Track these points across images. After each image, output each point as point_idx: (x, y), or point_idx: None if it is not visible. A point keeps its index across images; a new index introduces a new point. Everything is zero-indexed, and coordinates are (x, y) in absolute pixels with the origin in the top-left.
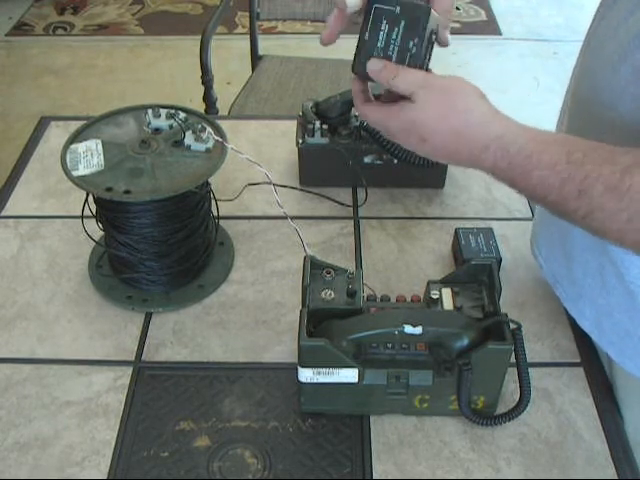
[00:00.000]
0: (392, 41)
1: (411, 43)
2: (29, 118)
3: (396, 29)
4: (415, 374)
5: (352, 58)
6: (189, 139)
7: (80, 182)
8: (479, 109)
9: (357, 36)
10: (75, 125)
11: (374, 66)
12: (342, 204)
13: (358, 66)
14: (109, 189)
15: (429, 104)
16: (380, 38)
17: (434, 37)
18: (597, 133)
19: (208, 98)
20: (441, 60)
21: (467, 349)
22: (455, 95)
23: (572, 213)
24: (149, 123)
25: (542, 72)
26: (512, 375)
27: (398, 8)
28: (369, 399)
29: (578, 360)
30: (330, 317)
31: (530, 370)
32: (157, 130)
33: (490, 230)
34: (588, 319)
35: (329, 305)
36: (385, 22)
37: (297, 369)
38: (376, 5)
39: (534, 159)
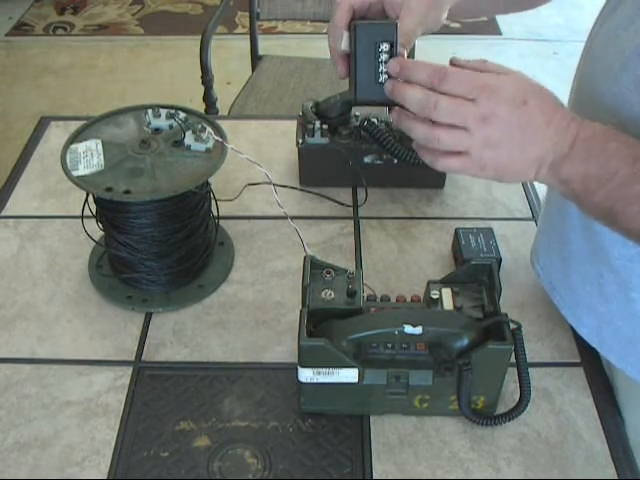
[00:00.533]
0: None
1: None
2: (29, 118)
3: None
4: (415, 374)
5: None
6: (189, 139)
7: (80, 182)
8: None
9: None
10: (75, 125)
11: (460, 60)
12: (342, 204)
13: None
14: (109, 189)
15: (530, 79)
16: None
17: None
18: None
19: (208, 98)
20: (441, 60)
21: (467, 349)
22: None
23: (635, 198)
24: (149, 123)
25: (542, 72)
26: (512, 375)
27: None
28: (369, 399)
29: (578, 360)
30: (330, 317)
31: (530, 370)
32: (157, 130)
33: (490, 230)
34: (587, 326)
35: (329, 305)
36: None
37: (297, 369)
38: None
39: (613, 133)
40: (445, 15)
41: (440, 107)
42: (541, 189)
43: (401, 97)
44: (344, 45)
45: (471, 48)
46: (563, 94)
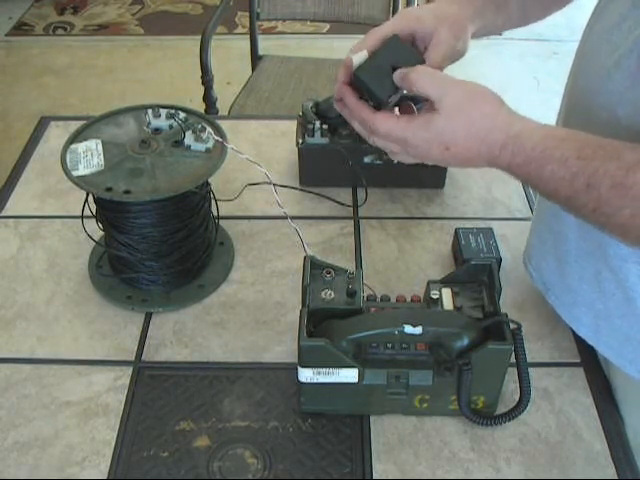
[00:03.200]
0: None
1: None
2: (29, 118)
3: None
4: (415, 374)
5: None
6: (189, 139)
7: (80, 182)
8: (501, 113)
9: (353, 37)
10: (75, 125)
11: (399, 74)
12: (342, 204)
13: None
14: (109, 189)
15: (455, 113)
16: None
17: None
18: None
19: (208, 98)
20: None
21: (467, 349)
22: (480, 102)
23: (582, 207)
24: (149, 123)
25: (542, 72)
26: (512, 375)
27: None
28: (369, 399)
29: (578, 360)
30: (330, 317)
31: (530, 370)
32: (157, 130)
33: (490, 230)
34: (584, 325)
35: (329, 305)
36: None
37: (297, 369)
38: None
39: (547, 154)
40: (469, 42)
41: (376, 142)
42: None
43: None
44: (357, 59)
45: (471, 48)
46: (562, 94)
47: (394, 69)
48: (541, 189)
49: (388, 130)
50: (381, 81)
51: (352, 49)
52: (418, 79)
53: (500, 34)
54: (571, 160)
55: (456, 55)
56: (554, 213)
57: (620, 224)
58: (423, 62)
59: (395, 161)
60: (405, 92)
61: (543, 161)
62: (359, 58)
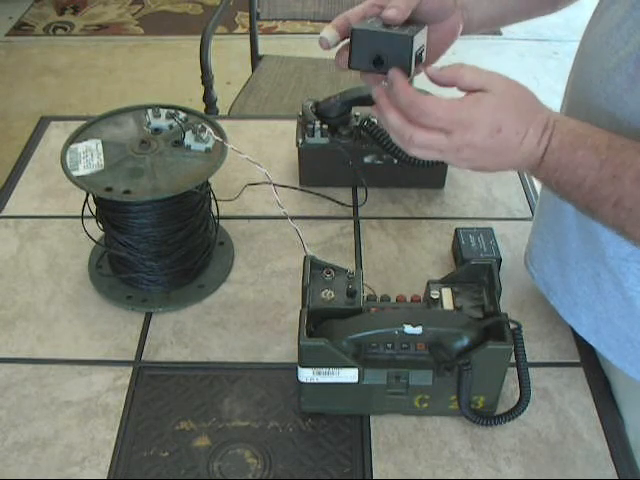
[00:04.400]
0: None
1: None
2: (29, 118)
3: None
4: (415, 374)
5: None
6: (189, 139)
7: (80, 182)
8: (536, 98)
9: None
10: (75, 125)
11: (433, 70)
12: (342, 204)
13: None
14: (109, 189)
15: (506, 92)
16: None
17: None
18: None
19: (208, 98)
20: (442, 61)
21: (467, 349)
22: (519, 86)
23: (604, 201)
24: (149, 123)
25: (542, 72)
26: (512, 375)
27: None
28: (369, 399)
29: (578, 360)
30: (330, 317)
31: (530, 370)
32: (157, 130)
33: (490, 230)
34: (585, 326)
35: (329, 305)
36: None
37: (297, 369)
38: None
39: (580, 139)
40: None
41: (415, 140)
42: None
43: (382, 115)
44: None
45: (471, 48)
46: (562, 94)
47: (379, 57)
48: (566, 178)
49: (442, 110)
50: (363, 54)
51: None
52: (464, 71)
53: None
54: (602, 148)
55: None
56: (555, 214)
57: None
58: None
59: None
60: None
61: (577, 144)
62: (330, 36)
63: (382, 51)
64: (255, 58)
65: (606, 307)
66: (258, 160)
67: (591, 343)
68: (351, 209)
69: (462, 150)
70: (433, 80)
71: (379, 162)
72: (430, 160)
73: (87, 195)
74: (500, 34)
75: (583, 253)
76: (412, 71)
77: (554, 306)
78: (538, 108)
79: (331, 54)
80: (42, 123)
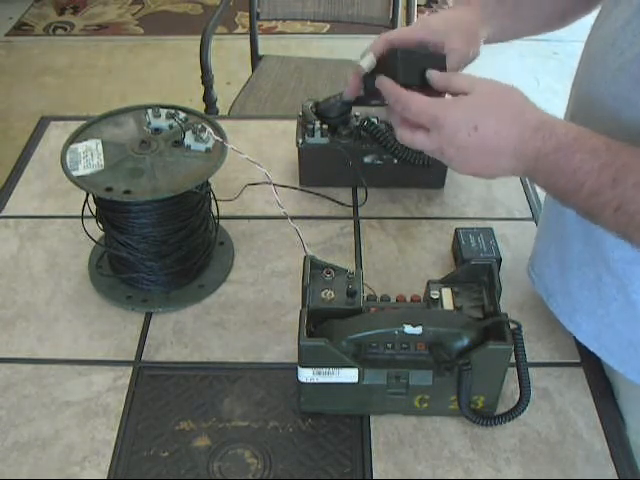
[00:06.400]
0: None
1: None
2: (29, 118)
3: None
4: (415, 374)
5: (350, 58)
6: (189, 139)
7: (80, 182)
8: (531, 103)
9: (353, 37)
10: (75, 125)
11: (433, 74)
12: (342, 204)
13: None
14: (109, 189)
15: (487, 94)
16: None
17: None
18: None
19: (208, 98)
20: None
21: (467, 349)
22: (510, 91)
23: (605, 206)
24: (149, 123)
25: (542, 72)
26: (512, 375)
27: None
28: (369, 399)
29: (578, 360)
30: (330, 317)
31: (530, 370)
32: (157, 130)
33: (490, 230)
34: (585, 332)
35: (329, 305)
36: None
37: (297, 369)
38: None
39: (578, 142)
40: (481, 47)
41: (401, 137)
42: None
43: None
44: (365, 64)
45: None
46: (563, 94)
47: (422, 68)
48: (564, 183)
49: (419, 107)
50: (410, 70)
51: (362, 54)
52: (452, 76)
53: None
54: (601, 151)
55: (469, 60)
56: (558, 220)
57: None
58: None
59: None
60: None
61: (575, 147)
62: (367, 62)
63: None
64: (255, 58)
65: (608, 311)
66: (258, 160)
67: (592, 349)
68: (351, 209)
69: (445, 149)
70: (432, 84)
71: (379, 162)
72: (429, 159)
73: (87, 195)
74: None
75: (585, 257)
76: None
77: (554, 312)
78: (527, 111)
79: (331, 54)
80: (42, 123)
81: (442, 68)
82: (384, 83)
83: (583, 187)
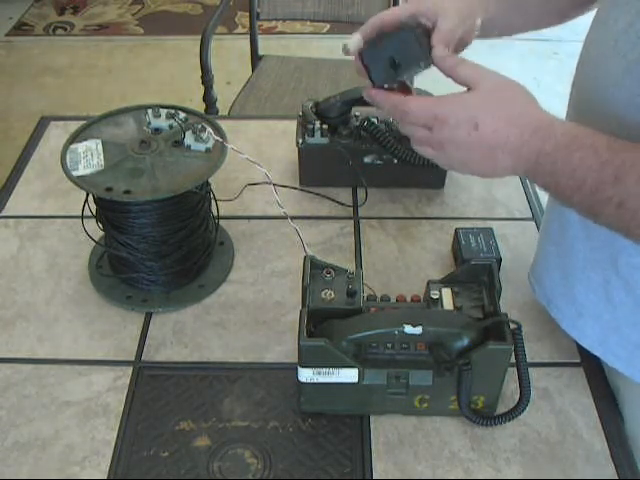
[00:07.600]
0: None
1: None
2: (29, 118)
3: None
4: (415, 374)
5: (350, 58)
6: (189, 139)
7: (80, 182)
8: (532, 103)
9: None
10: (75, 125)
11: (440, 52)
12: (342, 204)
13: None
14: (109, 189)
15: (490, 92)
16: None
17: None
18: None
19: (208, 98)
20: None
21: (467, 349)
22: (515, 90)
23: (607, 203)
24: (149, 123)
25: (542, 72)
26: (512, 375)
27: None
28: (369, 399)
29: (578, 360)
30: (330, 317)
31: (530, 370)
32: (157, 130)
33: (490, 230)
34: (590, 337)
35: (329, 305)
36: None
37: (297, 369)
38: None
39: (578, 141)
40: (477, 25)
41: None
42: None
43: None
44: (352, 46)
45: (471, 47)
46: (563, 94)
47: (394, 60)
48: (565, 182)
49: (419, 108)
50: (378, 66)
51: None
52: (460, 63)
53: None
54: (601, 149)
55: (465, 34)
56: (560, 225)
57: None
58: (429, 63)
59: (395, 161)
60: (403, 79)
61: (573, 147)
62: (353, 43)
63: (393, 54)
64: (255, 58)
65: (615, 315)
66: (258, 160)
67: (597, 354)
68: (351, 209)
69: (445, 147)
70: (436, 63)
71: (379, 162)
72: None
73: (87, 195)
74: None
75: (591, 262)
76: (429, 60)
77: (555, 319)
78: (529, 110)
79: (331, 54)
80: (42, 123)
81: (426, 44)
82: (372, 96)
83: (584, 185)
